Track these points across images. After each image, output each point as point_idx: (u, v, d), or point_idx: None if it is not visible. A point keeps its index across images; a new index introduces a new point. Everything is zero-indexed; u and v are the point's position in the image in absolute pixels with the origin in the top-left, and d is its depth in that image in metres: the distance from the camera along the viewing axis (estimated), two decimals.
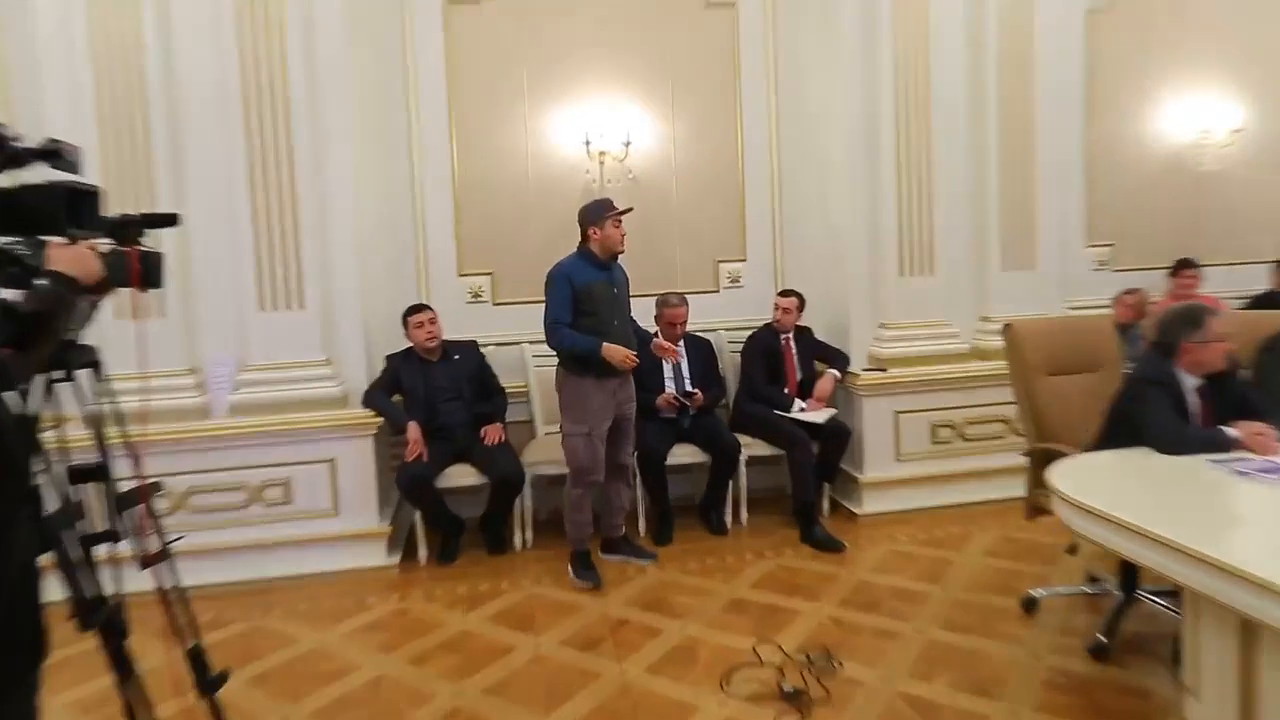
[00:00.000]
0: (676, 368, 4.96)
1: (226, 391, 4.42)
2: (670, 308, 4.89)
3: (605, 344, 4.03)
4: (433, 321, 4.65)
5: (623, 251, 4.16)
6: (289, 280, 4.43)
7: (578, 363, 4.08)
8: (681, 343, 4.96)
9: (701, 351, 5.08)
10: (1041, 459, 3.55)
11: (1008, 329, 3.89)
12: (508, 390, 4.93)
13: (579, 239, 4.16)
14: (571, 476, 4.22)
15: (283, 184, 4.38)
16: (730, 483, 4.85)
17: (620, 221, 4.12)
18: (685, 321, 4.91)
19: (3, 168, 1.93)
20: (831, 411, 4.94)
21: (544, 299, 4.09)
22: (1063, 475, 2.84)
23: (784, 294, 5.11)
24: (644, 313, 4.85)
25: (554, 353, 4.18)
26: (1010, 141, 5.11)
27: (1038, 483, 3.59)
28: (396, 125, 5.09)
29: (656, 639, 3.64)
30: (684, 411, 4.85)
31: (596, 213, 4.10)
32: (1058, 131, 5.28)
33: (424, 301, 4.96)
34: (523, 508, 4.70)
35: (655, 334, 4.91)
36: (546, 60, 5.25)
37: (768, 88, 5.45)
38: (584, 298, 4.04)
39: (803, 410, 4.89)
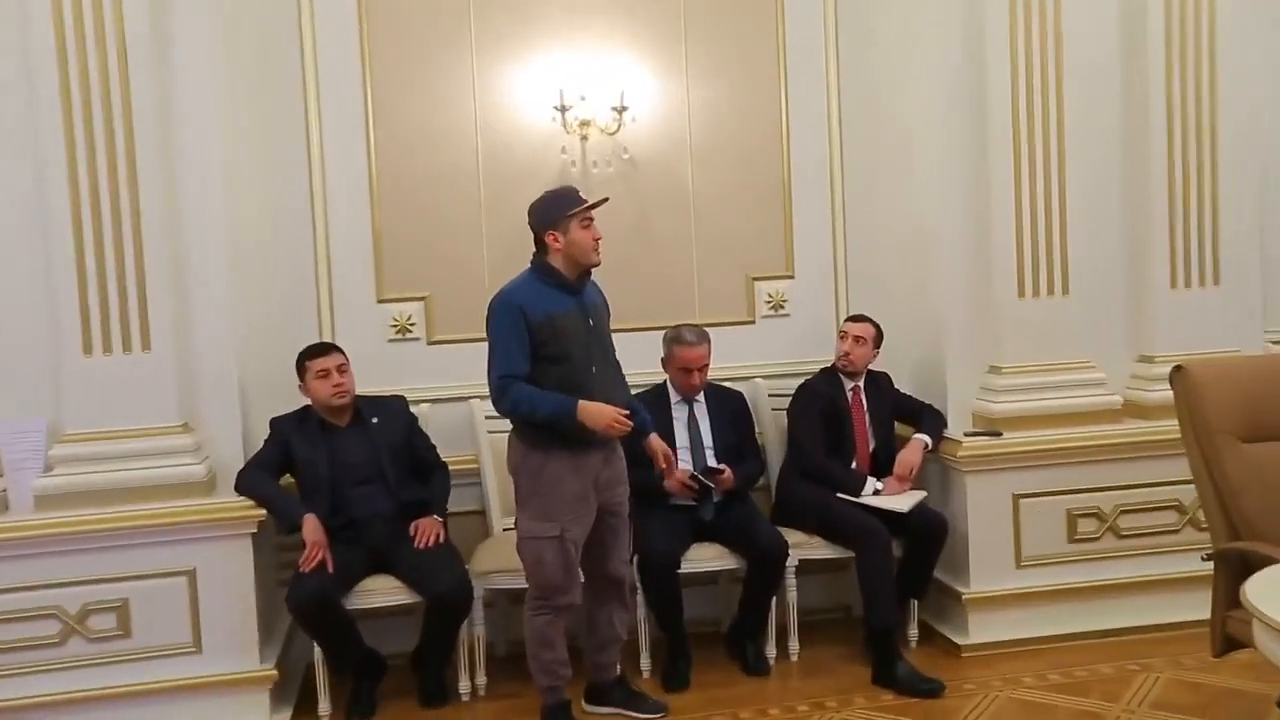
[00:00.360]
0: (695, 434, 4.97)
1: (32, 473, 4.33)
2: (684, 347, 4.89)
3: (582, 402, 3.97)
4: (342, 370, 4.64)
5: (597, 264, 4.14)
6: (127, 310, 4.35)
7: (543, 431, 4.04)
8: (702, 396, 4.99)
9: (729, 409, 5.08)
10: (1236, 566, 3.53)
11: (1179, 373, 3.85)
12: (450, 466, 4.92)
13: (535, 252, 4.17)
14: (534, 597, 4.19)
15: (118, 166, 4.31)
16: (774, 599, 4.83)
17: (591, 220, 4.09)
18: (706, 366, 4.91)
19: None
20: (920, 495, 4.94)
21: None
22: (1269, 591, 2.84)
23: (855, 320, 5.17)
24: (642, 357, 4.87)
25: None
26: (1182, 100, 5.11)
27: (1230, 601, 3.54)
28: (287, 84, 5.10)
29: None
30: (706, 497, 4.81)
31: (554, 209, 4.08)
32: (1251, 81, 5.26)
33: (329, 340, 4.95)
34: (471, 638, 4.67)
35: (665, 385, 4.97)
36: None
37: (824, 32, 5.55)
38: (546, 336, 4.02)
39: (878, 493, 4.89)
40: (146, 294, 4.35)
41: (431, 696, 4.60)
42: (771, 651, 4.85)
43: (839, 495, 4.85)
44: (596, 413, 3.97)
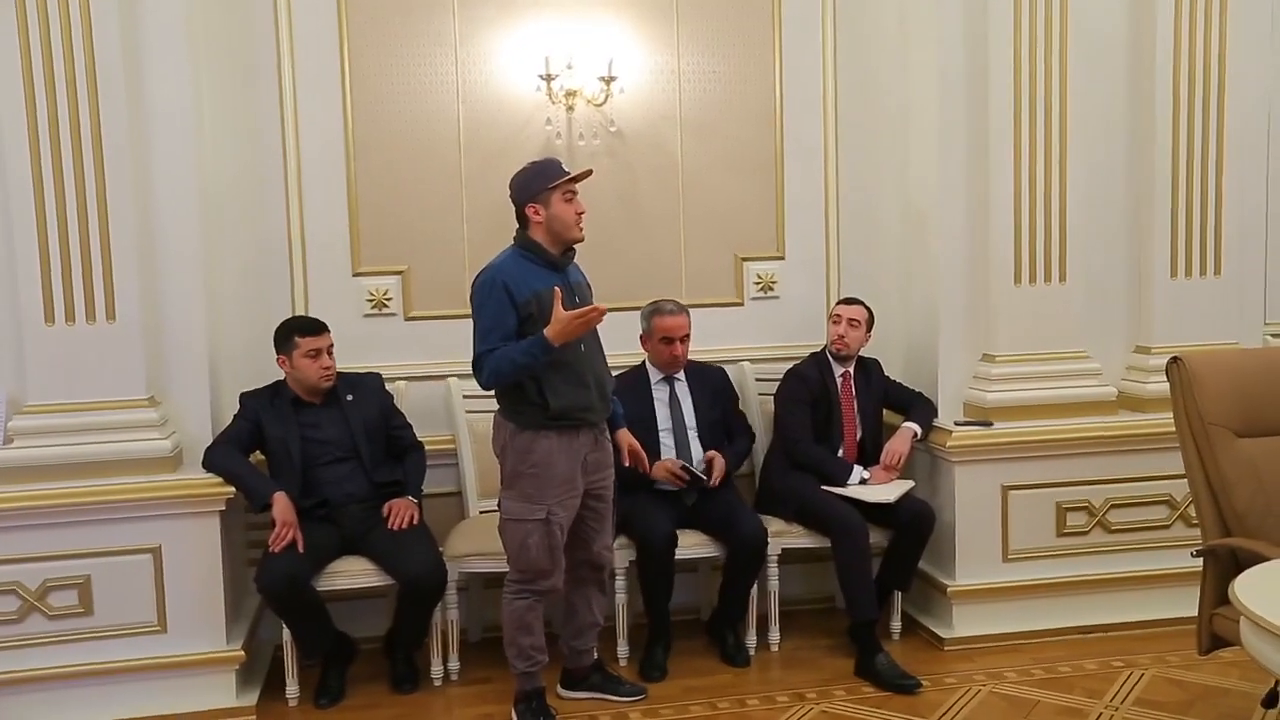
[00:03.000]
0: (677, 414, 4.96)
1: None
2: (664, 315, 4.89)
3: (548, 329, 3.88)
4: (330, 351, 4.64)
5: (580, 239, 4.14)
6: (91, 278, 4.34)
7: (531, 411, 4.03)
8: (683, 375, 5.01)
9: (711, 386, 5.08)
10: (1226, 563, 3.56)
11: (1176, 365, 3.85)
12: (426, 446, 4.93)
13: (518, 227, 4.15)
14: (515, 581, 4.20)
15: (82, 124, 4.29)
16: (754, 588, 4.86)
17: (574, 193, 4.08)
18: (688, 337, 4.91)
19: None
20: (907, 485, 4.96)
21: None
22: (1257, 589, 2.86)
23: (847, 302, 5.16)
24: (625, 338, 4.87)
25: (497, 396, 4.17)
26: (1190, 85, 5.11)
27: (1218, 598, 3.58)
28: (261, 48, 5.04)
29: None
30: (693, 484, 4.81)
31: (535, 181, 4.07)
32: (1259, 68, 5.27)
33: (303, 314, 4.93)
34: (444, 622, 4.68)
35: (644, 366, 4.95)
36: None
37: (822, 4, 5.50)
38: (533, 313, 3.99)
39: (865, 482, 4.91)
40: (112, 261, 4.33)
41: (402, 681, 4.62)
42: (752, 641, 4.87)
43: (823, 487, 4.83)
44: (566, 322, 3.86)
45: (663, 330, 4.83)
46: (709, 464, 4.80)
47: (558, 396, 3.98)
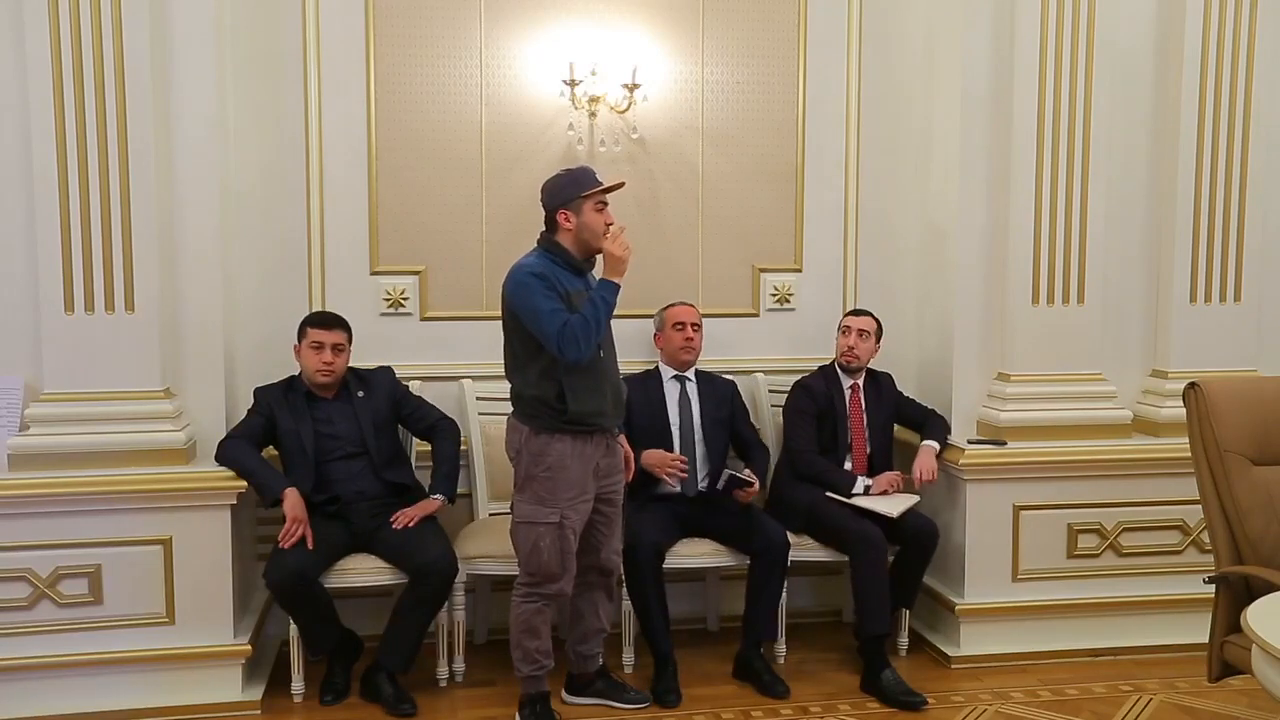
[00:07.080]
0: (686, 412, 4.93)
1: (8, 431, 4.35)
2: (676, 306, 5.02)
3: (604, 274, 4.03)
4: (338, 349, 4.62)
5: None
6: (112, 268, 4.35)
7: (549, 414, 4.02)
8: (693, 376, 5.01)
9: (719, 393, 5.06)
10: (1239, 590, 3.55)
11: (1193, 391, 3.84)
12: None
13: (543, 230, 4.16)
14: (525, 584, 4.19)
15: (108, 117, 4.31)
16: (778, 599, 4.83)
17: (605, 203, 4.09)
18: (699, 326, 4.99)
19: None
20: (912, 500, 4.92)
21: (508, 317, 4.06)
22: (1270, 617, 2.85)
23: (856, 314, 5.16)
24: (642, 345, 5.01)
25: (512, 399, 4.17)
26: (1215, 113, 5.13)
27: (1229, 626, 3.57)
28: (288, 45, 5.06)
29: None
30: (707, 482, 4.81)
31: (569, 189, 4.08)
32: None
33: (324, 309, 4.94)
34: (451, 623, 4.68)
35: (657, 367, 4.93)
36: None
37: (848, 20, 5.51)
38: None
39: (868, 490, 4.91)
40: (133, 253, 4.34)
41: (401, 701, 4.38)
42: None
43: (828, 494, 4.82)
44: (609, 252, 4.00)
45: (674, 317, 4.92)
46: (747, 484, 4.70)
47: (577, 400, 3.98)
